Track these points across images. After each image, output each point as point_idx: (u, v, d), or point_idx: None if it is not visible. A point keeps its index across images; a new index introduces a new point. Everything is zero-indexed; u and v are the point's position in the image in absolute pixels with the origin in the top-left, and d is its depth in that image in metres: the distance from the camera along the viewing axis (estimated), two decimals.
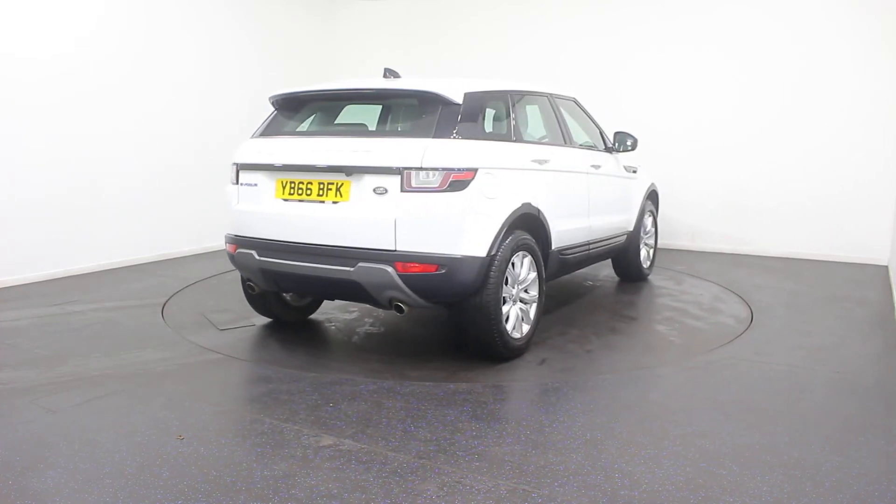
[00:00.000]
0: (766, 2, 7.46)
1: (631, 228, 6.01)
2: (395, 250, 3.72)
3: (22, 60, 5.93)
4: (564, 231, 4.68)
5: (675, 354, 4.35)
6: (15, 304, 5.36)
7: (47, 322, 4.91)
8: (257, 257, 4.14)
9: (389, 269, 3.71)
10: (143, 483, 2.65)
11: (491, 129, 4.40)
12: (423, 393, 3.64)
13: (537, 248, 4.28)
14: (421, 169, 3.67)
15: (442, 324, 4.98)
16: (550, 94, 5.13)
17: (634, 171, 6.11)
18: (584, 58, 8.36)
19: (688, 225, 8.01)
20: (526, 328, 4.22)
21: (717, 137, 7.82)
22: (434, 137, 3.80)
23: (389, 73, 4.50)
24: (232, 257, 4.37)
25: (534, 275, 4.27)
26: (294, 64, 8.85)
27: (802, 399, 3.58)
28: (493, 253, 3.85)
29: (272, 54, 8.54)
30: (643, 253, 6.32)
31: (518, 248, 4.06)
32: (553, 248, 4.53)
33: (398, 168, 3.70)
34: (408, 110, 4.16)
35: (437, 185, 3.68)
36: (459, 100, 3.92)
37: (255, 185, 4.20)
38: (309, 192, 3.98)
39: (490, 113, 4.42)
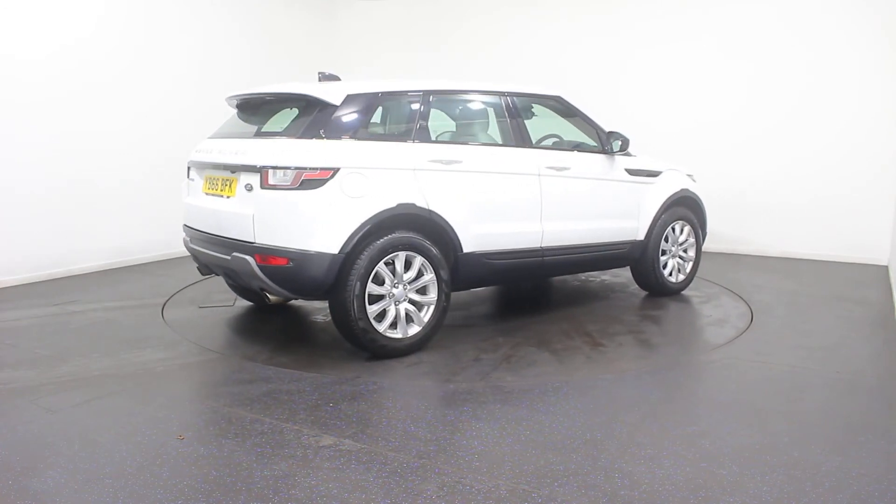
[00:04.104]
0: (769, 3, 7.46)
1: (639, 237, 5.50)
2: (254, 243, 4.02)
3: (21, 62, 5.94)
4: (490, 235, 4.55)
5: (566, 374, 4.00)
6: (15, 304, 5.37)
7: (47, 322, 4.92)
8: (190, 244, 4.74)
9: (250, 259, 4.01)
10: (143, 483, 2.65)
11: (378, 130, 4.44)
12: (422, 393, 3.65)
13: (435, 250, 4.25)
14: (276, 168, 3.92)
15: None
16: (505, 93, 4.89)
17: (653, 175, 5.57)
18: (586, 57, 8.35)
19: None
20: (415, 329, 4.22)
21: (717, 138, 7.81)
22: (298, 138, 4.03)
23: (324, 76, 4.67)
24: None
25: (429, 276, 4.26)
26: (294, 65, 8.85)
27: (802, 399, 3.58)
28: (348, 250, 3.94)
29: (272, 54, 8.54)
30: (671, 264, 5.75)
31: (395, 247, 4.08)
32: (468, 251, 4.44)
33: (258, 167, 3.97)
34: (294, 113, 4.33)
35: (289, 183, 3.90)
36: (338, 102, 4.14)
37: (193, 180, 4.74)
38: (216, 187, 4.40)
39: (380, 114, 4.44)
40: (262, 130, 4.40)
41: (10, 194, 5.92)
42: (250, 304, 5.48)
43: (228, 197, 4.23)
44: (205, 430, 3.20)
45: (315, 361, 4.15)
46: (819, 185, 7.39)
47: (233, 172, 4.20)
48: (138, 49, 6.93)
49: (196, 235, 4.61)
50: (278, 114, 4.49)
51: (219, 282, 5.61)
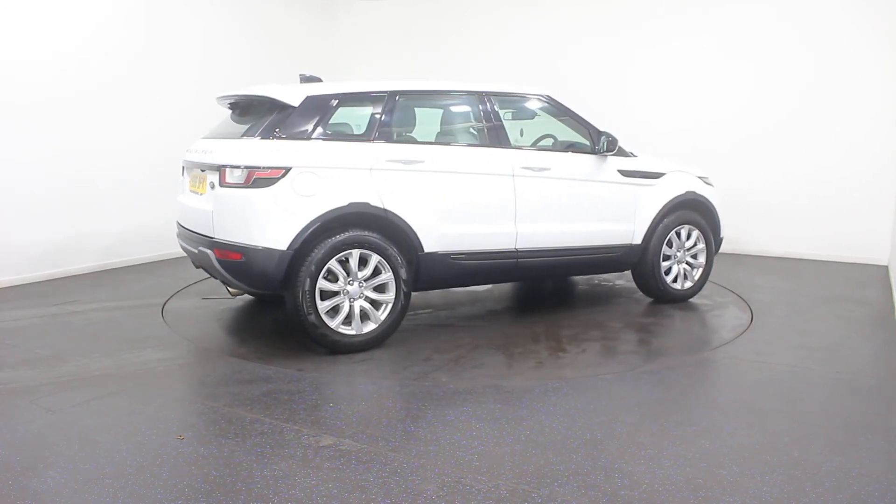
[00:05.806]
0: (770, 3, 7.46)
1: (636, 241, 5.28)
2: (214, 238, 4.21)
3: (22, 62, 5.94)
4: (455, 235, 4.53)
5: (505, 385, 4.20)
6: (15, 304, 5.37)
7: (47, 322, 4.92)
8: (178, 238, 4.91)
9: (211, 253, 4.20)
10: (143, 483, 2.65)
11: (338, 130, 4.50)
12: (423, 393, 3.65)
13: (392, 249, 4.28)
14: (231, 167, 4.10)
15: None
16: (481, 93, 4.84)
17: (652, 176, 5.32)
18: (586, 58, 8.36)
19: None
20: (371, 327, 4.29)
21: (717, 138, 7.81)
22: (255, 138, 4.19)
23: (305, 78, 4.75)
24: None
25: (387, 275, 4.29)
26: (294, 64, 8.81)
27: (802, 399, 3.58)
28: (297, 247, 4.06)
29: (272, 54, 8.54)
30: (675, 270, 5.51)
31: (347, 245, 4.15)
32: (430, 251, 4.44)
33: (217, 165, 4.17)
34: (259, 114, 4.44)
35: (242, 182, 4.07)
36: (296, 103, 4.27)
37: (183, 178, 4.89)
38: (196, 185, 4.56)
39: (341, 114, 4.49)
40: (236, 131, 4.50)
41: (10, 194, 5.92)
42: (251, 298, 5.49)
43: (201, 194, 4.41)
44: (205, 430, 3.20)
45: (316, 360, 4.15)
46: (819, 184, 7.39)
47: (203, 171, 4.40)
48: (138, 49, 6.92)
49: (181, 231, 4.79)
50: (253, 115, 4.56)
51: (219, 287, 5.61)
